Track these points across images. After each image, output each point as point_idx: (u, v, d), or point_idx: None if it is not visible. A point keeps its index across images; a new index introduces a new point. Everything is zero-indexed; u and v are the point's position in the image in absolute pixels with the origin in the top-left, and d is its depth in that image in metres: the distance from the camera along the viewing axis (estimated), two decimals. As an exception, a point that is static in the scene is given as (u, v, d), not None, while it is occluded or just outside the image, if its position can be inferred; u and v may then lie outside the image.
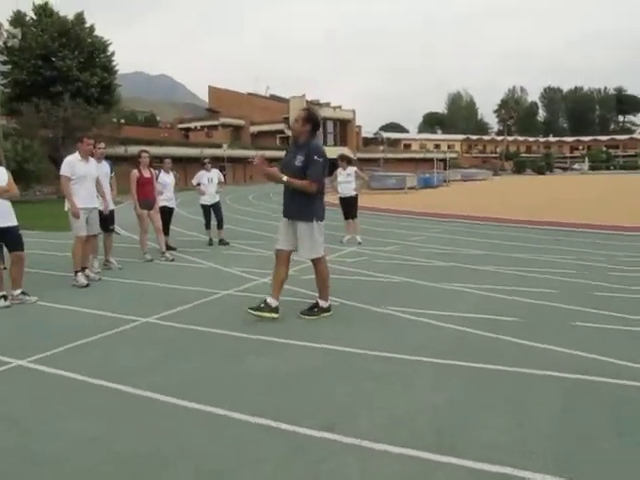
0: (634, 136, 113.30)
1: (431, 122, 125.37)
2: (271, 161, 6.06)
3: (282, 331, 5.00)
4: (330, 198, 19.86)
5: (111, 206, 8.18)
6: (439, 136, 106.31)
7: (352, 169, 11.49)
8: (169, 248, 9.61)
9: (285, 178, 5.25)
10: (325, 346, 4.57)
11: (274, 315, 5.30)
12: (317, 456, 2.84)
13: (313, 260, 5.51)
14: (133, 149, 36.05)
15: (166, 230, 9.93)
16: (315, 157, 5.24)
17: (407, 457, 2.81)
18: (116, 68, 39.31)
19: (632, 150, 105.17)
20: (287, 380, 3.89)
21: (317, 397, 3.59)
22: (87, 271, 7.37)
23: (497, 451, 2.85)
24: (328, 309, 5.54)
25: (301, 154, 5.28)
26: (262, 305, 5.32)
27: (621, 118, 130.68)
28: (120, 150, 35.14)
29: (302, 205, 5.35)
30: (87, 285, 7.03)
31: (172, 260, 9.00)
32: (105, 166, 8.29)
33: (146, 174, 9.17)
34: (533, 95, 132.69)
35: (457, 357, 4.24)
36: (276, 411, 3.34)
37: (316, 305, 5.54)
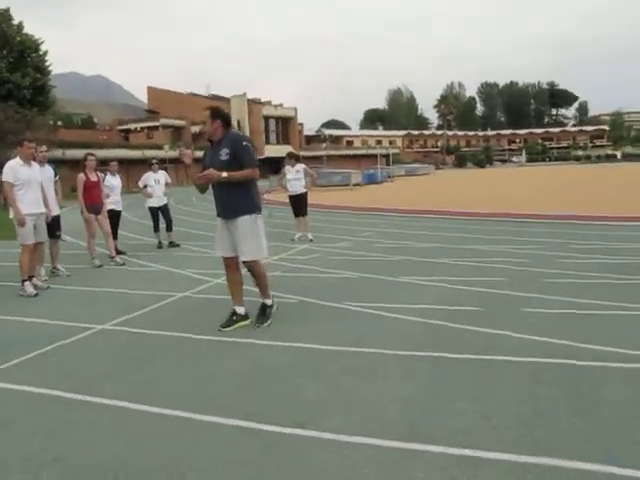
0: (566, 129, 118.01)
1: (372, 118, 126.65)
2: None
3: (244, 331, 4.97)
4: (280, 197, 19.83)
5: (56, 211, 7.92)
6: (381, 132, 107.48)
7: (301, 166, 11.51)
8: (119, 252, 9.38)
9: (225, 174, 4.89)
10: (289, 344, 4.57)
11: (247, 322, 5.19)
12: (293, 453, 2.84)
13: (250, 263, 5.15)
14: (71, 152, 35.09)
15: (114, 234, 9.69)
16: (243, 143, 5.02)
17: (382, 448, 2.85)
18: (50, 68, 37.81)
19: (565, 142, 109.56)
20: (255, 380, 3.88)
21: (287, 395, 3.59)
22: (34, 280, 7.12)
23: (468, 435, 2.93)
24: (276, 307, 5.41)
25: (225, 147, 4.98)
26: (234, 318, 5.16)
27: (554, 111, 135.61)
28: (58, 153, 34.03)
29: (241, 199, 5.05)
30: (36, 294, 6.78)
31: (123, 264, 8.80)
32: (48, 170, 8.01)
33: (93, 178, 8.91)
34: (471, 91, 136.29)
35: (421, 348, 4.32)
36: (247, 411, 3.32)
37: (265, 306, 5.32)
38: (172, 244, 10.81)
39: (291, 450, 2.88)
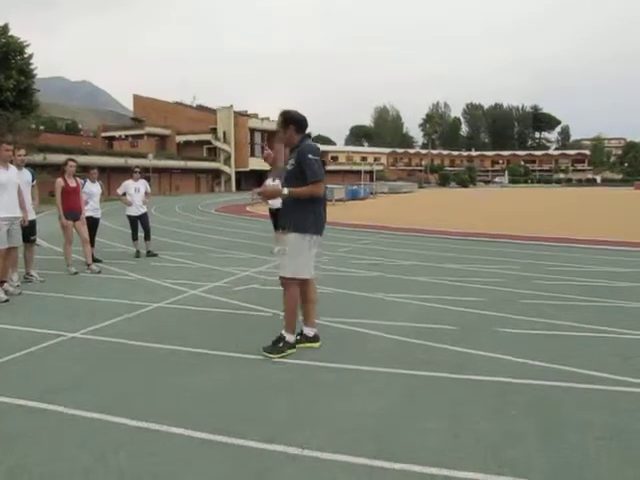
0: (549, 152, 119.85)
1: (358, 135, 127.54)
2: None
3: (217, 344, 4.91)
4: (260, 209, 19.68)
5: (32, 216, 7.81)
6: (366, 149, 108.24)
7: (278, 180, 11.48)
8: (95, 260, 9.28)
9: (286, 191, 4.53)
10: (262, 358, 4.53)
11: (315, 344, 4.82)
12: (260, 468, 2.81)
13: (286, 280, 4.69)
14: (53, 157, 34.73)
15: (92, 241, 9.58)
16: (309, 156, 4.52)
17: (350, 464, 2.83)
18: (34, 72, 37.51)
19: (547, 165, 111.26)
20: (225, 393, 3.83)
21: (257, 409, 3.55)
22: (6, 285, 7.00)
23: (436, 454, 2.92)
24: (293, 345, 4.70)
25: (294, 157, 4.64)
26: (297, 337, 4.78)
27: (537, 135, 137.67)
28: (39, 158, 33.71)
29: (296, 214, 4.62)
30: (6, 300, 6.66)
31: (99, 272, 8.69)
32: (26, 174, 7.90)
33: (72, 183, 8.81)
34: (456, 111, 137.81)
35: (393, 365, 4.31)
36: (216, 424, 3.28)
37: (281, 338, 4.66)
38: (150, 253, 10.71)
39: (257, 465, 2.84)
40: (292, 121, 4.69)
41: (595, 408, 3.52)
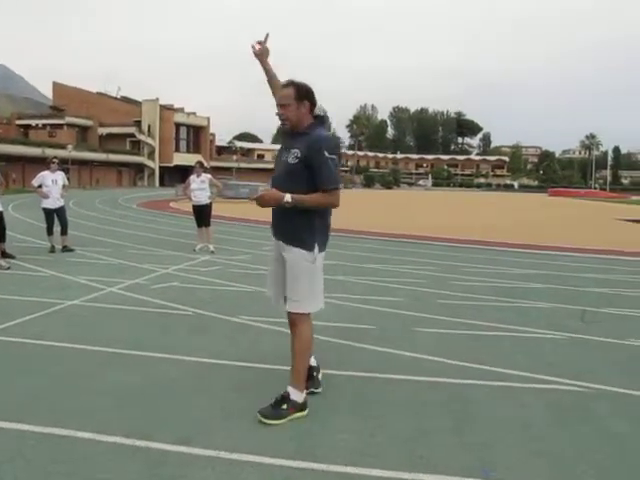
0: (471, 157, 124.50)
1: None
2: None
3: (134, 342, 4.77)
4: (184, 206, 19.30)
5: None
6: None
7: (207, 176, 11.31)
8: (6, 255, 8.80)
9: (289, 198, 3.28)
10: (181, 357, 4.43)
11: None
12: (174, 472, 2.74)
13: (295, 315, 3.53)
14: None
15: (2, 236, 9.07)
16: (326, 153, 3.30)
17: (267, 465, 2.81)
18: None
19: (469, 170, 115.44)
20: (140, 394, 3.71)
21: (172, 410, 3.46)
22: None
23: (352, 453, 2.95)
24: (303, 407, 3.46)
25: (298, 146, 3.37)
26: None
27: (460, 140, 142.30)
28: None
29: (300, 223, 3.43)
30: None
31: (8, 268, 8.23)
32: None
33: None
34: (383, 113, 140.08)
35: (312, 364, 4.31)
36: (128, 427, 3.17)
37: (285, 398, 3.41)
38: (66, 248, 10.26)
39: (171, 468, 2.77)
40: (309, 96, 3.45)
41: (509, 405, 3.66)
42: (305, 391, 3.52)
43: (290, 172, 3.39)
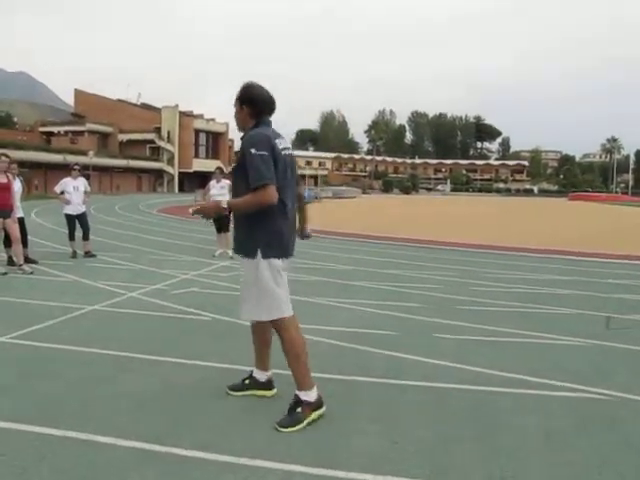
0: (490, 162, 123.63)
1: (303, 139, 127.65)
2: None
3: (154, 347, 4.79)
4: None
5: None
6: (311, 153, 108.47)
7: (226, 182, 11.36)
8: (29, 261, 8.91)
9: (225, 203, 3.34)
10: (201, 363, 4.44)
11: (267, 392, 3.81)
12: (193, 477, 2.73)
13: (272, 324, 3.51)
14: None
15: (24, 241, 9.19)
16: (252, 150, 3.22)
17: (286, 472, 2.79)
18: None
19: (488, 174, 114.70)
20: (159, 399, 3.72)
21: (192, 416, 3.47)
22: None
23: (373, 460, 2.92)
24: (318, 405, 3.46)
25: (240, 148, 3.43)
26: (246, 382, 3.84)
27: (479, 145, 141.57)
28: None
29: (244, 232, 3.44)
30: None
31: (31, 273, 8.34)
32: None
33: (2, 179, 8.44)
34: (401, 119, 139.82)
35: (331, 371, 4.28)
36: (147, 432, 3.18)
37: (297, 402, 3.41)
38: (88, 254, 10.38)
39: (189, 474, 2.76)
40: (246, 100, 3.43)
41: (531, 413, 3.60)
42: (316, 388, 3.48)
43: (235, 175, 3.46)
